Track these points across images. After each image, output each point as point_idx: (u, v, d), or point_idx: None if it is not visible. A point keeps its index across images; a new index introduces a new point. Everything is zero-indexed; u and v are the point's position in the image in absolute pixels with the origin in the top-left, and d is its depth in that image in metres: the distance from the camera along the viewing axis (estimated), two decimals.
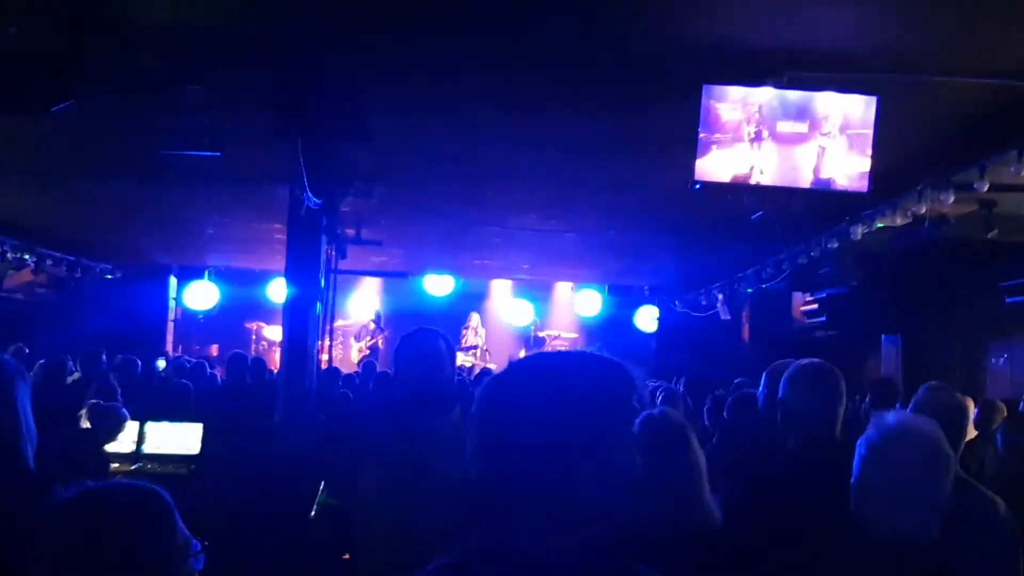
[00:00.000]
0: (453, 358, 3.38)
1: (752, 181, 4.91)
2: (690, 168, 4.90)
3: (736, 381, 7.03)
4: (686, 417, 3.14)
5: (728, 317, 13.17)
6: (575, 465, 1.29)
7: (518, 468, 1.29)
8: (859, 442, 2.19)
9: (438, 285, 15.64)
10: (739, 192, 5.05)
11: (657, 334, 16.04)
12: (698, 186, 4.93)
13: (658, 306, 16.10)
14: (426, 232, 10.31)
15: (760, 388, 3.18)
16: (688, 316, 14.47)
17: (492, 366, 14.52)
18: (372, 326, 15.99)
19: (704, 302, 13.87)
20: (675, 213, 8.45)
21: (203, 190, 8.24)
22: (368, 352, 15.55)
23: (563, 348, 16.48)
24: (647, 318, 16.43)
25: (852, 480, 2.16)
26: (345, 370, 10.98)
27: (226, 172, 6.85)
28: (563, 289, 17.02)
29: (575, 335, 16.76)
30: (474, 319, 16.38)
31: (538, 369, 1.40)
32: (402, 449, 3.20)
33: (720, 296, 13.06)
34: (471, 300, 16.28)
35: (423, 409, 3.27)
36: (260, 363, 8.34)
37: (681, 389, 6.93)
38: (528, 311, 17.00)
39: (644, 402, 1.41)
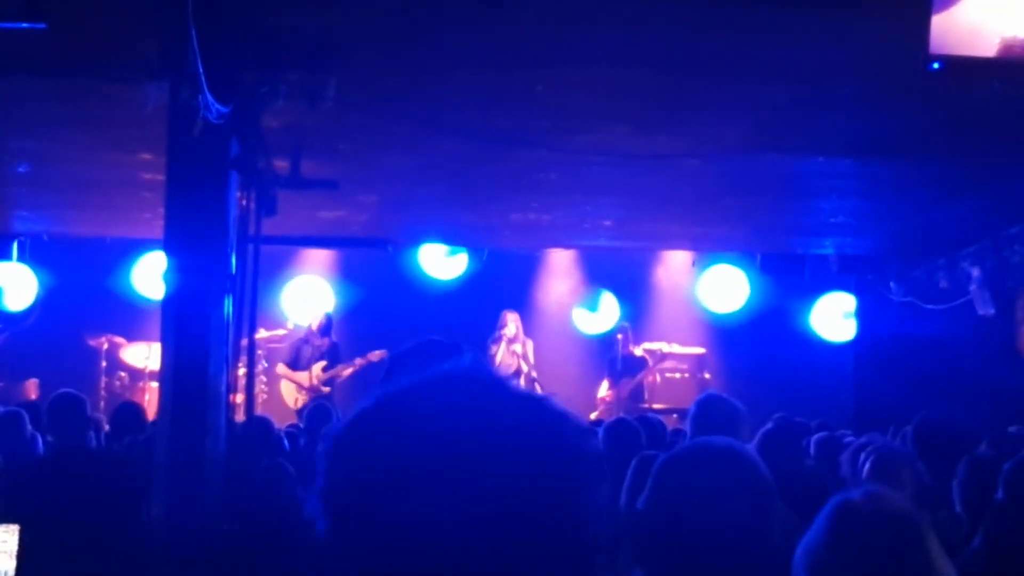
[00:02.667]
0: None
1: None
2: (916, 34, 4.87)
3: (1011, 430, 6.97)
4: (920, 500, 3.21)
5: (991, 312, 13.10)
6: None
7: None
8: None
9: (443, 263, 15.71)
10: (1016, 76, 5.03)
11: (855, 345, 15.95)
12: (936, 66, 4.92)
13: (856, 294, 16.00)
14: (422, 164, 10.35)
15: None
16: (913, 311, 14.46)
17: None
18: (322, 340, 16.08)
19: (943, 284, 13.81)
20: (888, 112, 8.41)
21: (12, 93, 8.30)
22: (327, 388, 15.64)
23: (677, 374, 16.61)
24: (835, 316, 16.34)
25: None
26: (280, 422, 11.05)
27: (55, 59, 6.91)
28: (675, 265, 17.00)
29: (698, 350, 16.75)
30: (511, 323, 16.41)
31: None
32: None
33: (976, 273, 12.97)
34: (505, 289, 16.38)
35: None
36: (131, 413, 8.49)
37: (906, 447, 6.88)
38: (611, 308, 17.01)
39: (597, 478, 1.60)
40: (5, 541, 6.53)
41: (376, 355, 15.28)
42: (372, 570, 1.54)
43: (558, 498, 1.52)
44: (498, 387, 1.60)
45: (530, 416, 1.55)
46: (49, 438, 8.81)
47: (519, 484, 1.49)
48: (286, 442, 9.53)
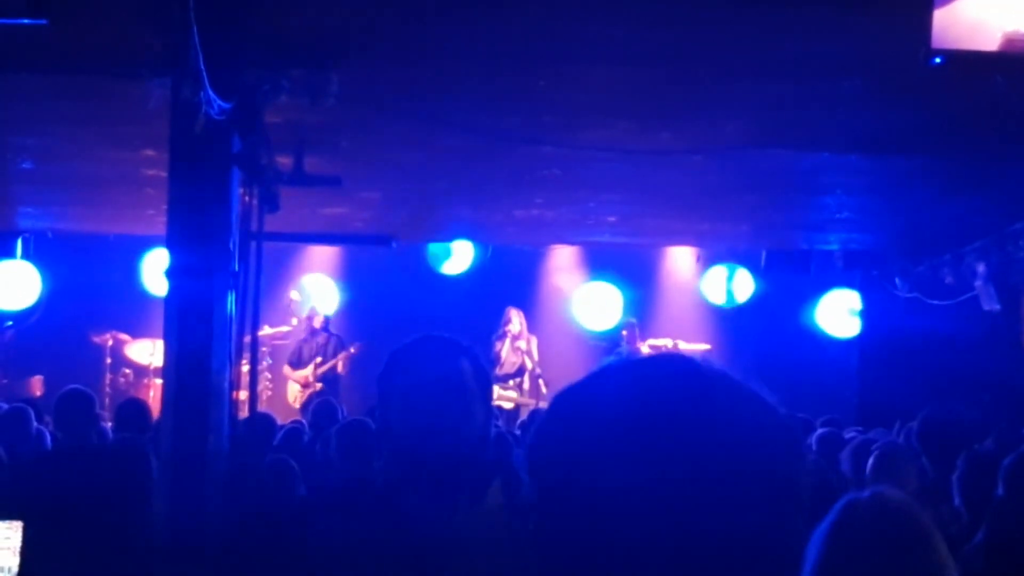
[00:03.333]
0: (487, 390, 3.41)
1: None
2: (917, 28, 4.88)
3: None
4: (924, 497, 3.21)
5: (996, 307, 13.10)
6: None
7: None
8: None
9: (447, 258, 15.71)
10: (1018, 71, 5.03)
11: (860, 342, 15.97)
12: (938, 60, 4.92)
13: (861, 290, 16.00)
14: (425, 160, 10.36)
15: None
16: (918, 307, 14.48)
17: None
18: (325, 338, 16.14)
19: (949, 280, 13.82)
20: (891, 107, 8.40)
21: (15, 90, 8.33)
22: (320, 384, 15.71)
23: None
24: (841, 312, 16.33)
25: None
26: (282, 419, 11.07)
27: (57, 55, 6.93)
28: (680, 263, 17.01)
29: (703, 346, 16.75)
30: (515, 319, 16.43)
31: (637, 409, 1.50)
32: (392, 570, 3.23)
33: (981, 269, 12.97)
34: (508, 286, 16.42)
35: (432, 492, 3.30)
36: (135, 409, 8.50)
37: (911, 443, 6.88)
38: (616, 303, 17.02)
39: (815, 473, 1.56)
40: (8, 538, 6.54)
41: (354, 348, 15.59)
42: (574, 541, 1.49)
43: (785, 490, 1.50)
44: (725, 382, 1.55)
45: (762, 418, 1.53)
46: (57, 434, 8.83)
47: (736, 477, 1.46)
48: (292, 438, 9.54)
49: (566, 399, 1.56)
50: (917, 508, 2.89)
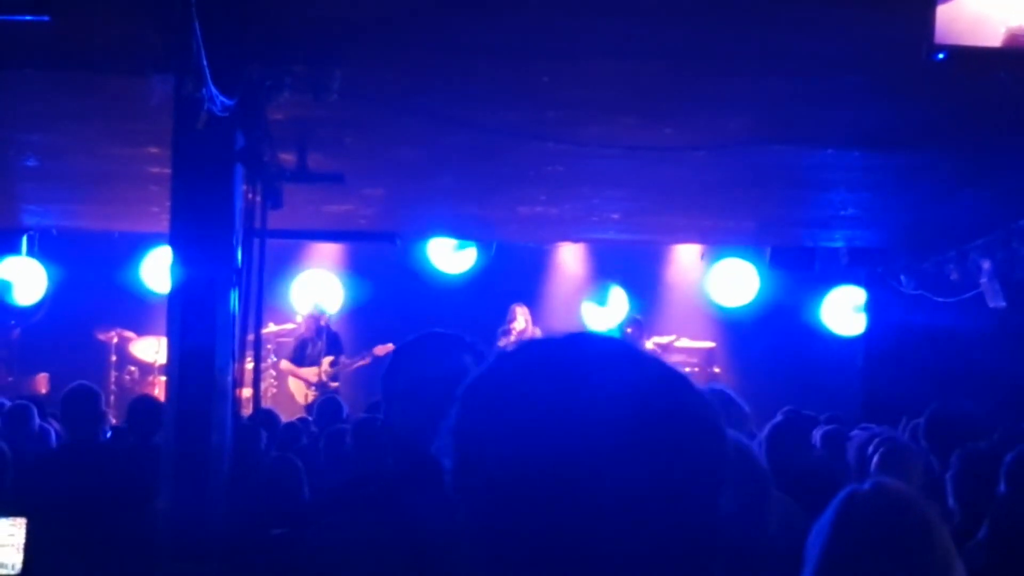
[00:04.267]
0: None
1: None
2: (920, 24, 4.89)
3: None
4: (929, 492, 3.21)
5: (1002, 304, 13.09)
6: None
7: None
8: None
9: (450, 256, 15.71)
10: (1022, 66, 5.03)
11: (866, 339, 15.96)
12: (941, 56, 4.91)
13: (866, 287, 15.98)
14: (429, 157, 10.36)
15: None
16: (924, 304, 14.46)
17: None
18: (331, 336, 16.11)
19: (954, 277, 13.79)
20: (894, 103, 8.39)
21: (19, 87, 8.34)
22: (335, 383, 15.69)
23: (687, 368, 16.58)
24: (846, 309, 16.32)
25: None
26: (286, 415, 11.08)
27: (59, 52, 6.94)
28: (684, 260, 17.02)
29: (708, 344, 16.76)
30: (520, 316, 16.42)
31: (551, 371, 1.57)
32: (395, 567, 3.25)
33: (986, 265, 12.97)
34: (513, 284, 16.40)
35: (435, 489, 3.27)
36: (147, 407, 8.50)
37: (917, 440, 6.88)
38: (620, 301, 17.03)
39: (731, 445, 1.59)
40: (12, 534, 6.55)
41: (381, 350, 15.31)
42: (495, 516, 1.53)
43: (694, 482, 1.51)
44: (640, 355, 1.60)
45: (680, 394, 1.55)
46: (63, 430, 8.83)
47: (656, 452, 1.48)
48: (295, 436, 9.55)
49: (478, 384, 1.62)
50: (919, 498, 2.89)
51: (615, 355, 1.57)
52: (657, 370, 1.56)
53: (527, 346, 1.64)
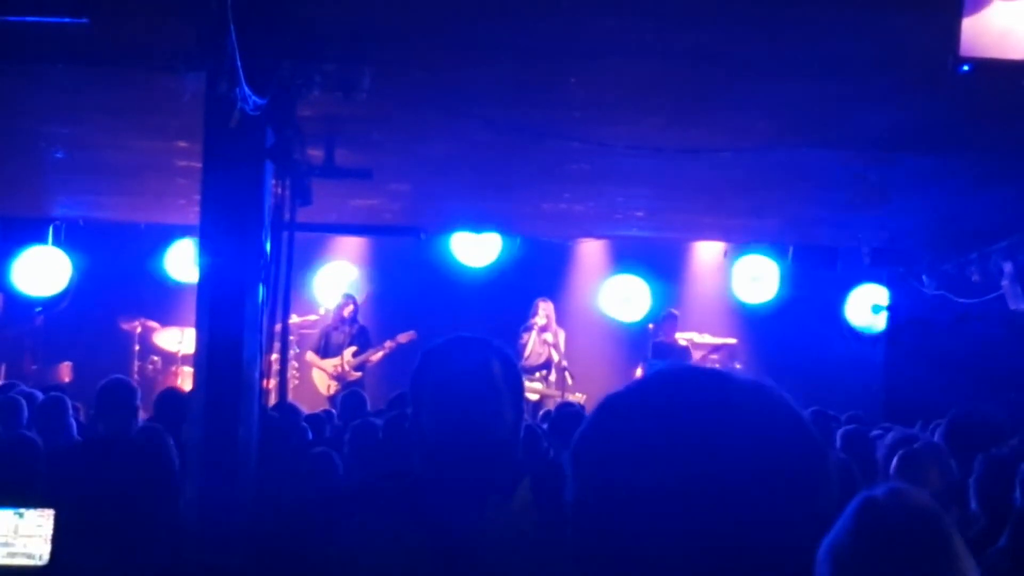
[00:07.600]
0: (516, 389, 3.44)
1: None
2: (946, 36, 4.92)
3: None
4: (948, 497, 3.20)
5: (1022, 306, 13.07)
6: None
7: None
8: None
9: (474, 250, 15.73)
10: None
11: (887, 337, 15.93)
12: (966, 68, 4.93)
13: (888, 286, 15.95)
14: (455, 154, 10.41)
15: None
16: (945, 304, 14.44)
17: (579, 397, 14.59)
18: (351, 326, 16.06)
19: (976, 278, 13.78)
20: (918, 106, 8.40)
21: (50, 81, 8.39)
22: (358, 373, 15.74)
23: (708, 364, 16.56)
24: (867, 308, 16.28)
25: None
26: (308, 408, 11.13)
27: (96, 51, 6.98)
28: (707, 257, 17.04)
29: (730, 340, 16.74)
30: (543, 311, 16.36)
31: (678, 410, 1.59)
32: (421, 566, 3.28)
33: (1007, 267, 12.96)
34: (536, 279, 16.40)
35: (461, 490, 3.34)
36: (174, 400, 8.56)
37: (938, 442, 6.88)
38: (643, 297, 17.04)
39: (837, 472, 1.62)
40: (40, 525, 6.62)
41: (404, 337, 15.34)
42: (610, 539, 1.56)
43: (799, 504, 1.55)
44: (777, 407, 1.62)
45: (783, 427, 1.59)
46: (98, 424, 8.85)
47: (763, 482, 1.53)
48: (318, 428, 9.57)
49: (610, 406, 1.65)
50: (935, 506, 2.89)
51: (756, 405, 1.59)
52: (791, 427, 1.59)
53: (675, 375, 1.66)
